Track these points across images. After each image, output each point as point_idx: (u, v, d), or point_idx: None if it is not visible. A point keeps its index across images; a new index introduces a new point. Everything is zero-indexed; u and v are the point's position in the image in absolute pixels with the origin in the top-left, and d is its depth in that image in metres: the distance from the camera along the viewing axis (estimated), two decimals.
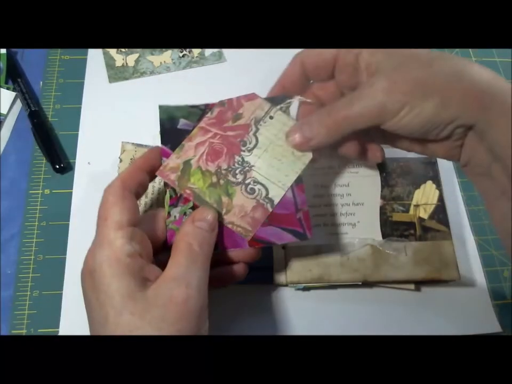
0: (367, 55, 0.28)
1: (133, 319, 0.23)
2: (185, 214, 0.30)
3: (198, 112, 0.32)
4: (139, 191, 0.29)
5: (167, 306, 0.24)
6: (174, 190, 0.30)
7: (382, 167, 0.39)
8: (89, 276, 0.25)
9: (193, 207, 0.30)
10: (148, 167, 0.30)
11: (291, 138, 0.30)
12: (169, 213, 0.30)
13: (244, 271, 0.31)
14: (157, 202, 0.38)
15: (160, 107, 0.32)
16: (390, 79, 0.27)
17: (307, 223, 0.30)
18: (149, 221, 0.29)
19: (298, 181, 0.31)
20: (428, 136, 0.28)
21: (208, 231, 0.28)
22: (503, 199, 0.27)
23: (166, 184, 0.30)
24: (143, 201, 0.38)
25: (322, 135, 0.29)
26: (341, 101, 0.28)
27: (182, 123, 0.32)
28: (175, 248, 0.27)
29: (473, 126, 0.27)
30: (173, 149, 0.31)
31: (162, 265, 0.27)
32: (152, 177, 0.30)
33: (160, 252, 0.29)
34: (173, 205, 0.30)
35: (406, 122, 0.27)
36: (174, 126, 0.32)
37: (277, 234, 0.30)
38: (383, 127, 0.28)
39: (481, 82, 0.26)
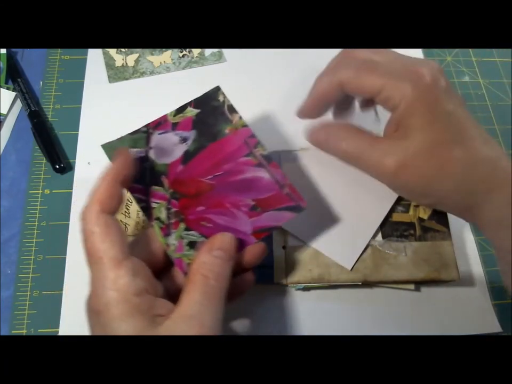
0: (401, 115, 0.28)
1: None
2: (182, 238, 0.28)
3: (143, 136, 0.31)
4: (117, 209, 0.26)
5: None
6: (160, 220, 0.29)
7: None
8: (95, 315, 0.24)
9: (187, 229, 0.29)
10: (121, 177, 0.26)
11: (311, 134, 0.32)
12: (167, 244, 0.28)
13: (253, 279, 0.30)
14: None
15: (103, 146, 0.30)
16: (403, 162, 0.28)
17: (296, 194, 0.30)
18: (143, 244, 0.28)
19: (269, 160, 0.30)
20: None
21: (226, 260, 0.26)
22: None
23: (149, 218, 0.29)
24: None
25: (331, 151, 0.31)
26: (361, 139, 0.30)
27: (132, 152, 0.30)
28: (189, 280, 0.25)
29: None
30: (138, 182, 0.29)
31: (166, 290, 0.26)
32: (125, 187, 0.27)
33: (161, 272, 0.28)
34: (167, 234, 0.28)
35: (401, 195, 0.31)
36: None
37: (274, 217, 0.29)
38: None
39: (481, 194, 0.28)
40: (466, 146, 0.27)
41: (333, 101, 0.32)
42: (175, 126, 0.31)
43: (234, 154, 0.31)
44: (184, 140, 0.31)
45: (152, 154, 0.30)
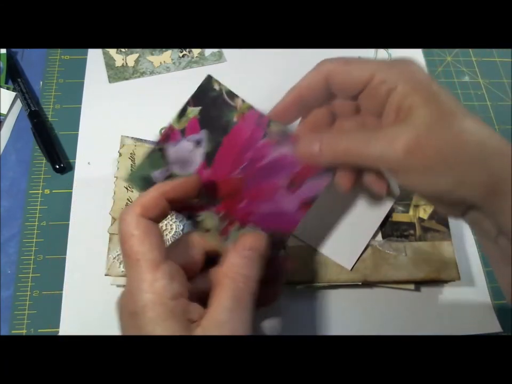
0: (401, 96, 0.26)
1: None
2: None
3: (158, 154, 0.30)
4: (159, 220, 0.26)
5: None
6: (212, 230, 0.28)
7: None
8: (129, 316, 0.24)
9: (240, 227, 0.28)
10: (171, 196, 0.26)
11: (298, 148, 0.29)
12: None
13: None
14: None
15: (127, 180, 0.30)
16: (416, 138, 0.25)
17: None
18: (183, 249, 0.28)
19: (286, 134, 0.30)
20: (434, 199, 0.28)
21: (256, 260, 0.26)
22: (510, 267, 0.27)
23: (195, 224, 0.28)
24: None
25: (327, 158, 0.27)
26: (359, 134, 0.27)
27: (156, 175, 0.29)
28: (218, 283, 0.25)
29: (480, 207, 0.26)
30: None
31: (200, 292, 0.26)
32: (172, 205, 0.26)
33: (196, 276, 0.28)
34: (224, 240, 0.28)
35: (414, 184, 0.26)
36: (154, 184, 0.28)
37: (312, 187, 0.29)
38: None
39: (502, 168, 0.25)
40: (473, 118, 0.26)
41: (315, 100, 0.30)
42: (184, 132, 0.30)
43: (251, 140, 0.30)
44: (198, 143, 0.30)
45: (175, 169, 0.29)
